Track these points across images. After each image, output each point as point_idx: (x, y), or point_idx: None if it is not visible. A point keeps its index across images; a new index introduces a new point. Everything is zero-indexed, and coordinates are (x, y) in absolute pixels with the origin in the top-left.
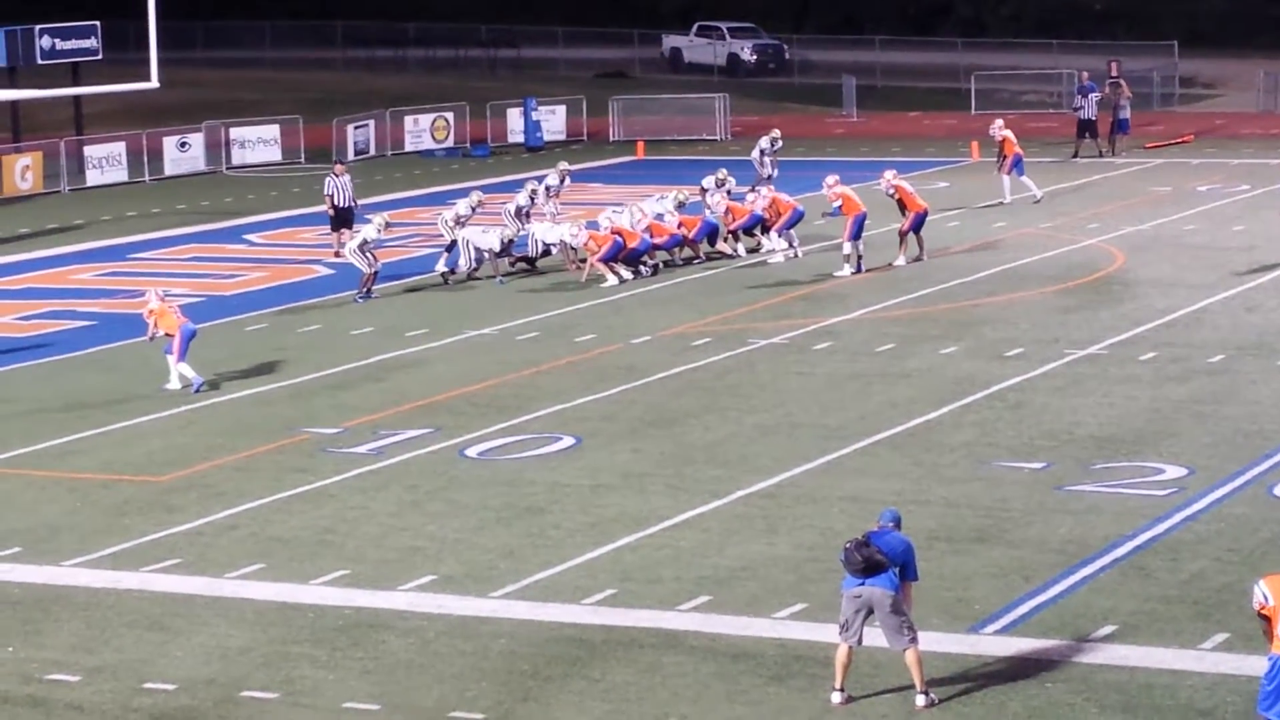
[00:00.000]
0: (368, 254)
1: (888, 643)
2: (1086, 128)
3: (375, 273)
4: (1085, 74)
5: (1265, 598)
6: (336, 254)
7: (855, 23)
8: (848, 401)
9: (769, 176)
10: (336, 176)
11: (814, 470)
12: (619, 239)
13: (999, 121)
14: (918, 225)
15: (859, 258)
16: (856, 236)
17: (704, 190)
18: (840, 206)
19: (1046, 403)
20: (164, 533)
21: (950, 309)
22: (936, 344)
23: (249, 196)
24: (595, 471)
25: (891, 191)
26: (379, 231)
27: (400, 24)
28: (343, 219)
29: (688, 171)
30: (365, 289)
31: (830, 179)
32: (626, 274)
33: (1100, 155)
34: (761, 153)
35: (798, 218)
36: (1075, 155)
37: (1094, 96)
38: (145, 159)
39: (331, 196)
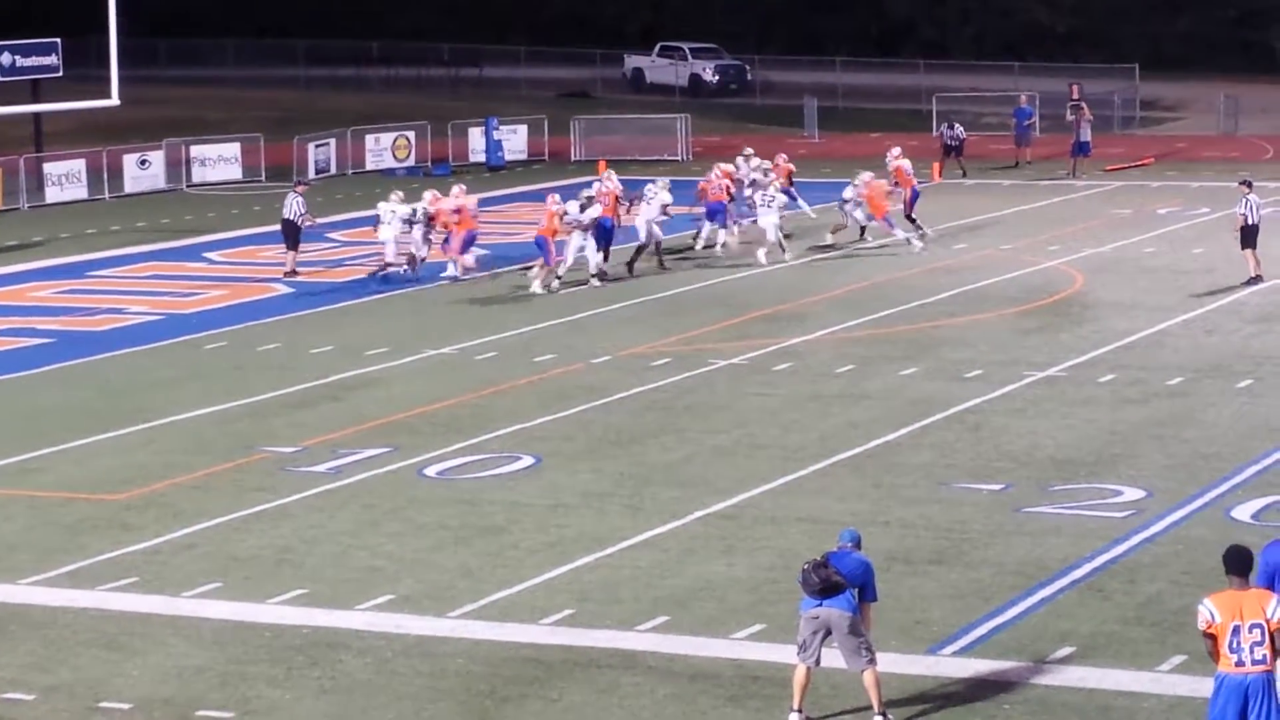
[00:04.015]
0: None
1: (846, 664)
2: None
3: (422, 258)
4: (1024, 97)
5: (1213, 615)
6: (289, 273)
7: (818, 43)
8: (807, 422)
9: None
10: (298, 195)
11: (773, 491)
12: (471, 231)
13: (896, 149)
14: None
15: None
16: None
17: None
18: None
19: (1005, 424)
20: (121, 551)
21: (910, 330)
22: (896, 365)
23: (209, 214)
24: (554, 491)
25: (893, 168)
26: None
27: (363, 43)
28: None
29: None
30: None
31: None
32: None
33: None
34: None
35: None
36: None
37: (1025, 121)
38: (105, 176)
39: (295, 215)
